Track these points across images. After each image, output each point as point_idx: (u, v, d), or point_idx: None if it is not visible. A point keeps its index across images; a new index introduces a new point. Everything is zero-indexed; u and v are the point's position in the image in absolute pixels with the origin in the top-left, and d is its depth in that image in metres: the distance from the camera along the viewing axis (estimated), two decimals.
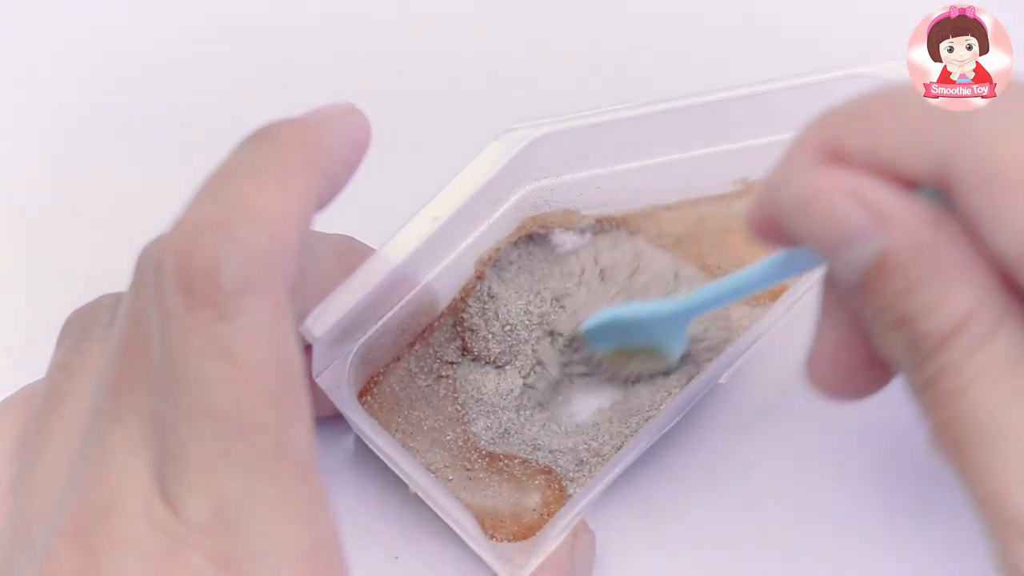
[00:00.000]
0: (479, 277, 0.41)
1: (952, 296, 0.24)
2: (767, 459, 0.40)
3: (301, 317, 0.34)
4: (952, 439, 0.24)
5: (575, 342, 0.41)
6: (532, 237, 0.42)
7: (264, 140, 0.28)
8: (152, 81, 0.50)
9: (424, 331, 0.41)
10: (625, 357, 0.40)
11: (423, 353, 0.41)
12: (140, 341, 0.27)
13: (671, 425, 0.38)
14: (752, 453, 0.40)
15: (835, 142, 0.26)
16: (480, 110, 0.48)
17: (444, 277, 0.40)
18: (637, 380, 0.41)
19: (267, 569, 0.25)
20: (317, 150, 0.28)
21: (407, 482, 0.37)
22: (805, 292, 0.39)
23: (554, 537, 0.36)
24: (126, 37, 0.51)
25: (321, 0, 0.51)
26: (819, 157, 0.26)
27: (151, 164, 0.48)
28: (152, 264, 0.26)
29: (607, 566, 0.38)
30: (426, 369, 0.41)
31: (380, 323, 0.39)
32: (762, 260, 0.32)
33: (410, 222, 0.37)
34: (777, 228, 0.28)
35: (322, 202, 0.29)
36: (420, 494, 0.36)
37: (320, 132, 0.29)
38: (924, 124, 0.25)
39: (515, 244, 0.42)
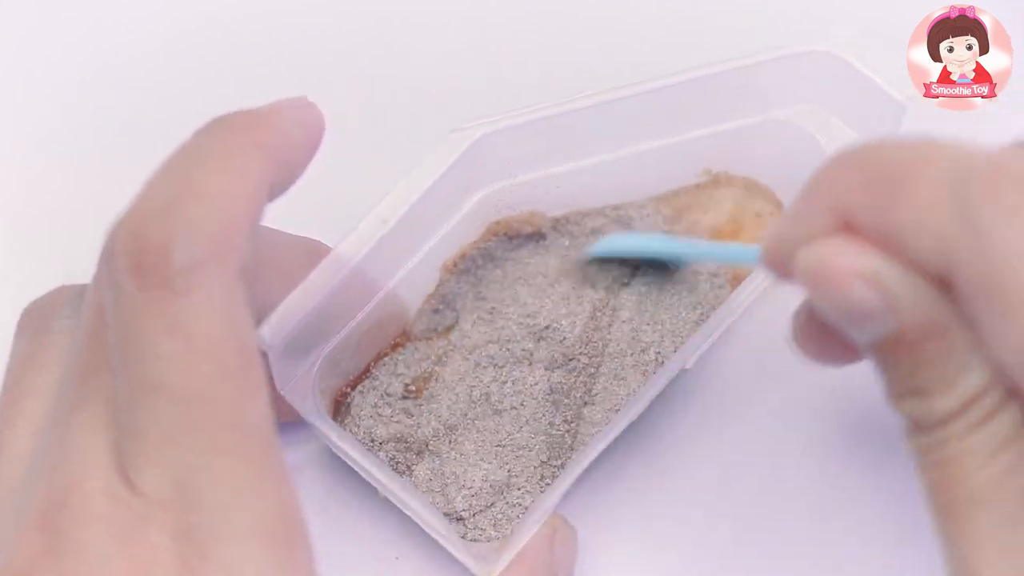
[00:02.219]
0: (442, 285, 0.41)
1: (962, 377, 0.25)
2: (736, 442, 0.40)
3: (264, 317, 0.34)
4: (942, 501, 0.25)
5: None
6: (499, 242, 0.42)
7: (215, 127, 0.29)
8: (152, 82, 0.50)
9: (395, 340, 0.41)
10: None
11: (394, 362, 0.41)
12: (102, 328, 0.27)
13: (639, 413, 0.38)
14: (721, 436, 0.40)
15: (846, 208, 0.26)
16: (446, 109, 0.48)
17: (408, 284, 0.40)
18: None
19: (227, 540, 0.25)
20: (268, 135, 0.29)
21: (376, 487, 0.37)
22: (768, 277, 0.39)
23: (526, 531, 0.36)
24: (126, 38, 0.51)
25: (307, 6, 0.51)
26: (831, 221, 0.26)
27: (151, 164, 0.48)
28: (106, 248, 0.27)
29: (588, 561, 0.38)
30: (399, 377, 0.40)
31: (344, 331, 0.38)
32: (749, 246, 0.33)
33: (359, 226, 0.37)
34: (786, 263, 0.28)
35: (276, 189, 0.29)
36: (390, 498, 0.36)
37: (272, 119, 0.29)
38: (934, 216, 0.24)
39: (481, 249, 0.42)
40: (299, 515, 0.27)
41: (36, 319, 0.31)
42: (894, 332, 0.25)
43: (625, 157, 0.41)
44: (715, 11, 0.51)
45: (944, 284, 0.25)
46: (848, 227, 0.26)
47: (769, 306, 0.42)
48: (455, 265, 0.41)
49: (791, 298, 0.42)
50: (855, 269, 0.25)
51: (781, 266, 0.28)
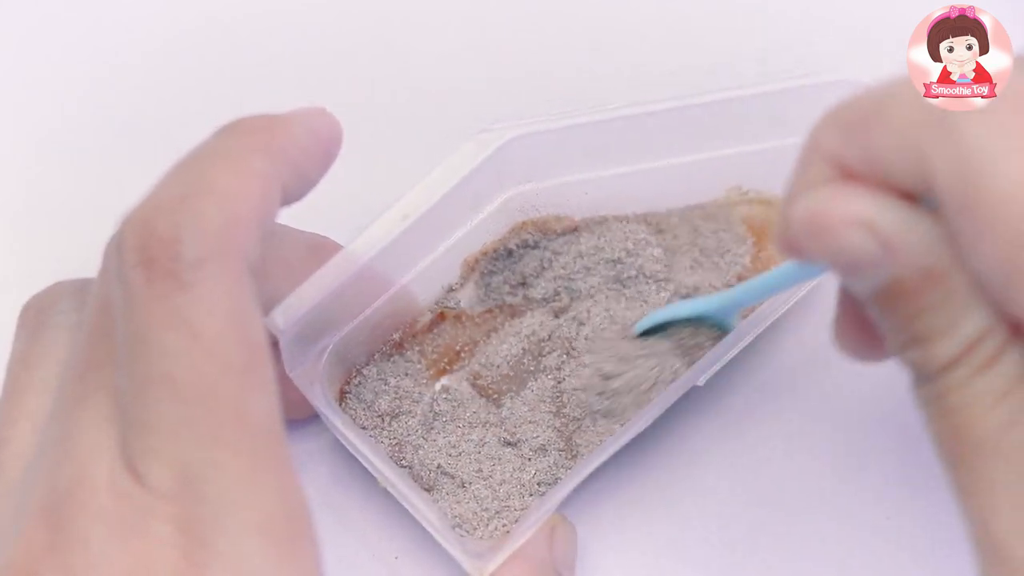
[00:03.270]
0: (461, 282, 0.42)
1: (962, 321, 0.24)
2: (744, 460, 0.40)
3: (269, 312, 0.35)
4: (951, 452, 0.25)
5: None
6: (523, 243, 0.42)
7: (229, 129, 0.29)
8: (152, 82, 0.50)
9: (405, 332, 0.41)
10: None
11: (403, 354, 0.41)
12: (107, 324, 0.27)
13: (647, 425, 0.37)
14: (729, 454, 0.40)
15: (836, 155, 0.26)
16: (471, 110, 0.48)
17: (425, 278, 0.40)
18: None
19: (230, 533, 0.25)
20: (282, 139, 0.29)
21: (377, 477, 0.37)
22: (781, 303, 0.39)
23: (523, 532, 0.36)
24: (126, 38, 0.51)
25: (311, 6, 0.51)
26: (828, 171, 0.26)
27: (151, 164, 0.48)
28: (114, 242, 0.27)
29: (589, 562, 0.39)
30: (406, 371, 0.41)
31: (355, 321, 0.39)
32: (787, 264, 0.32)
33: (379, 219, 0.37)
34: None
35: (290, 193, 0.30)
36: (389, 489, 0.37)
37: (287, 126, 0.30)
38: (908, 133, 0.24)
39: (504, 250, 0.42)
40: (304, 511, 0.27)
41: (35, 315, 0.31)
42: (893, 279, 0.25)
43: (653, 169, 0.41)
44: (706, 12, 0.51)
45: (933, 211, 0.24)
46: (844, 174, 0.25)
47: (784, 330, 0.42)
48: (476, 262, 0.42)
49: (805, 321, 0.42)
50: (849, 215, 0.25)
51: (797, 241, 0.28)
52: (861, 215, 0.25)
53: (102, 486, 0.26)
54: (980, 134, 0.23)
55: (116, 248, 0.27)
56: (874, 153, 0.25)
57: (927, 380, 0.25)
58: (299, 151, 0.30)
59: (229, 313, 0.26)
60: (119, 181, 0.47)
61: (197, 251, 0.26)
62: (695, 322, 0.39)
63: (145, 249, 0.26)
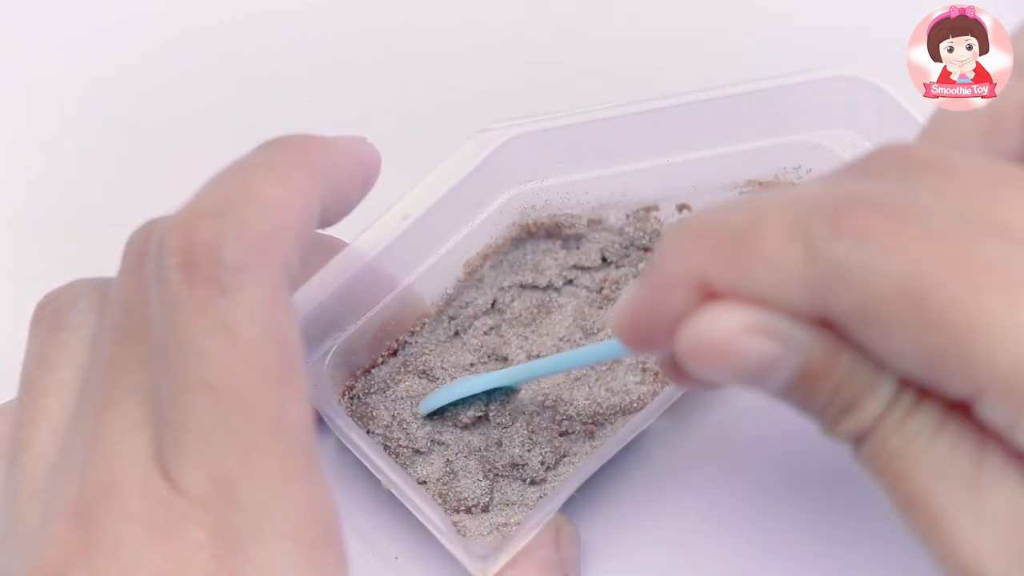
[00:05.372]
0: (464, 281, 0.41)
1: (879, 378, 0.25)
2: (750, 458, 0.40)
3: None
4: (904, 498, 0.25)
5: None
6: (519, 243, 0.42)
7: (272, 144, 0.29)
8: (152, 82, 0.50)
9: (410, 333, 0.41)
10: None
11: (407, 354, 0.41)
12: (132, 326, 0.27)
13: (649, 423, 0.37)
14: (735, 452, 0.40)
15: (703, 278, 0.25)
16: (471, 109, 0.48)
17: (428, 279, 0.40)
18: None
19: (264, 541, 0.25)
20: (323, 158, 0.29)
21: (380, 478, 0.37)
22: None
23: (525, 533, 0.36)
24: (126, 38, 0.51)
25: (311, 5, 0.51)
26: (695, 294, 0.25)
27: (151, 165, 0.48)
28: (154, 246, 0.27)
29: (592, 561, 0.39)
30: (409, 370, 0.41)
31: (360, 322, 0.39)
32: (601, 343, 0.33)
33: (380, 219, 0.37)
34: (655, 342, 0.27)
35: (327, 215, 0.30)
36: (393, 490, 0.37)
37: (328, 146, 0.30)
38: (787, 267, 0.24)
39: (501, 250, 0.42)
40: (334, 519, 0.27)
41: (51, 313, 0.31)
42: (801, 369, 0.25)
43: (655, 167, 0.41)
44: (708, 9, 0.51)
45: (821, 322, 0.25)
46: (710, 295, 0.25)
47: None
48: (478, 263, 0.42)
49: None
50: (741, 327, 0.25)
51: (644, 346, 0.28)
52: (753, 323, 0.25)
53: (135, 489, 0.26)
54: (864, 263, 0.23)
55: (156, 250, 0.27)
56: (753, 285, 0.25)
57: (864, 441, 0.26)
58: (339, 172, 0.30)
59: (268, 320, 0.26)
60: (120, 181, 0.48)
61: (238, 257, 0.26)
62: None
63: (186, 254, 0.26)
